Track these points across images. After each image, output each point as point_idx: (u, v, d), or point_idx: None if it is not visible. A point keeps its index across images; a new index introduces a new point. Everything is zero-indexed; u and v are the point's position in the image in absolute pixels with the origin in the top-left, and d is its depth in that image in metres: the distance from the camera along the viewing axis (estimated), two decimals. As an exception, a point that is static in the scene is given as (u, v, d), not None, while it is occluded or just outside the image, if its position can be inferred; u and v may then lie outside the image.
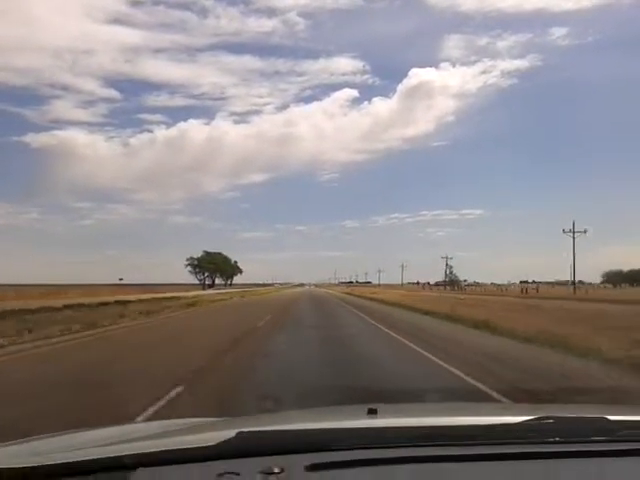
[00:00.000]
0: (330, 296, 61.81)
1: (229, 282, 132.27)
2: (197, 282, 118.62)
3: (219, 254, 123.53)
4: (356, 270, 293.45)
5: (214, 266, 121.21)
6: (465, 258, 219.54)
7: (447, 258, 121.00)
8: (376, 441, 1.42)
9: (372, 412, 1.76)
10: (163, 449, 1.38)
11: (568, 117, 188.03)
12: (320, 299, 49.65)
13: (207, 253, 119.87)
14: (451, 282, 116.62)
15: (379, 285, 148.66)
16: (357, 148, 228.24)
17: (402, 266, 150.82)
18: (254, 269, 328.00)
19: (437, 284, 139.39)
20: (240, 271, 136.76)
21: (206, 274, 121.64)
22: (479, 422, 1.66)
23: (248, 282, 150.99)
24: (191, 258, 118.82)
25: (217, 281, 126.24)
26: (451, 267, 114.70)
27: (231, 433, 1.40)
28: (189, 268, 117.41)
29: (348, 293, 78.98)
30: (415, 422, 1.73)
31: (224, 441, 1.36)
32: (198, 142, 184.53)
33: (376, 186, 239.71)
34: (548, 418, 1.57)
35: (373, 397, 6.04)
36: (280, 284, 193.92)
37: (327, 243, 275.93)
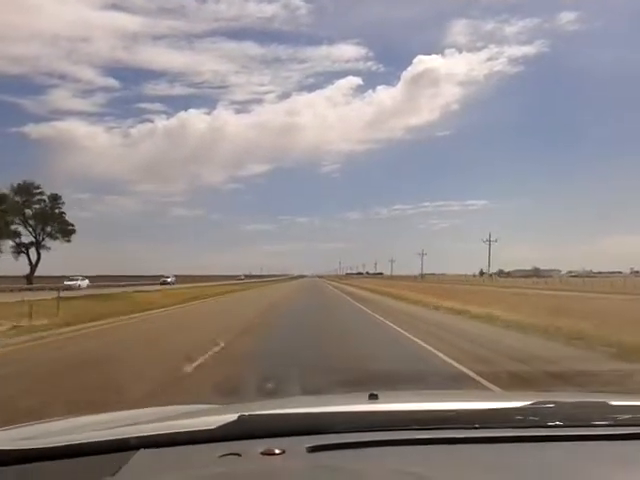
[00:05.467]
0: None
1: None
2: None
3: None
4: (358, 261, 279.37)
5: None
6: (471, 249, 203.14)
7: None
8: (375, 424, 1.42)
9: (373, 397, 1.76)
10: (166, 432, 1.40)
11: (576, 105, 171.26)
12: None
13: None
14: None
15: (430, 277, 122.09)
16: (360, 138, 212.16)
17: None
18: (257, 261, 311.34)
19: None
20: (66, 231, 47.99)
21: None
22: (479, 407, 1.65)
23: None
24: None
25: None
26: None
27: (233, 417, 1.41)
28: None
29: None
30: (414, 406, 1.71)
31: (226, 424, 1.38)
32: (199, 132, 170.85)
33: (379, 177, 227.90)
34: (549, 402, 1.57)
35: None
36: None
37: (330, 234, 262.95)
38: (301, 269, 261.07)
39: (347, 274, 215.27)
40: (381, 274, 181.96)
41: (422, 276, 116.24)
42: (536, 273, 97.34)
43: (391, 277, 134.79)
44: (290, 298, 33.59)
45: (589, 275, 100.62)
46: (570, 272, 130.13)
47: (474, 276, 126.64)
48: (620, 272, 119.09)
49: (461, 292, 34.11)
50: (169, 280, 66.80)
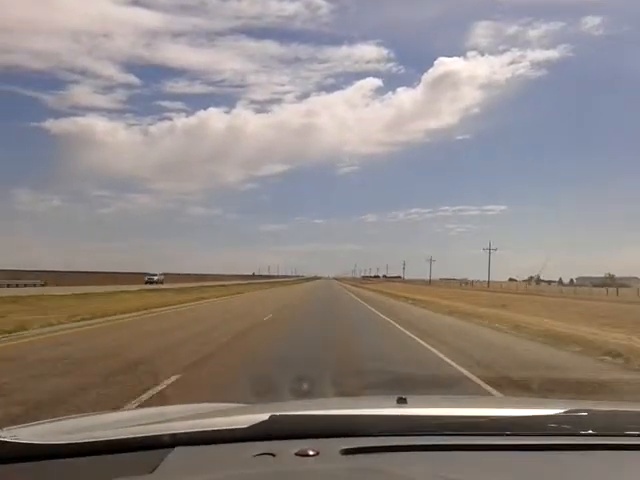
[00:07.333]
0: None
1: None
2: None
3: None
4: (374, 264, 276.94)
5: None
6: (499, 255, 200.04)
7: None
8: (408, 428, 1.43)
9: (402, 401, 1.77)
10: (200, 429, 1.42)
11: (599, 111, 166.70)
12: None
13: None
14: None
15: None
16: (379, 140, 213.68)
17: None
18: (271, 261, 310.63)
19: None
20: None
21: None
22: (511, 414, 1.65)
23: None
24: None
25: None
26: None
27: (264, 416, 1.43)
28: None
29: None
30: (445, 412, 1.70)
31: (260, 423, 1.39)
32: (218, 131, 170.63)
33: (397, 180, 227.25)
34: (582, 411, 1.57)
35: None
36: None
37: (346, 236, 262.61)
38: (316, 270, 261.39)
39: (364, 277, 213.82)
40: (399, 277, 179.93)
41: (472, 283, 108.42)
42: (612, 282, 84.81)
43: (428, 283, 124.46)
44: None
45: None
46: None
47: (522, 282, 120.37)
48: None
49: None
50: None
